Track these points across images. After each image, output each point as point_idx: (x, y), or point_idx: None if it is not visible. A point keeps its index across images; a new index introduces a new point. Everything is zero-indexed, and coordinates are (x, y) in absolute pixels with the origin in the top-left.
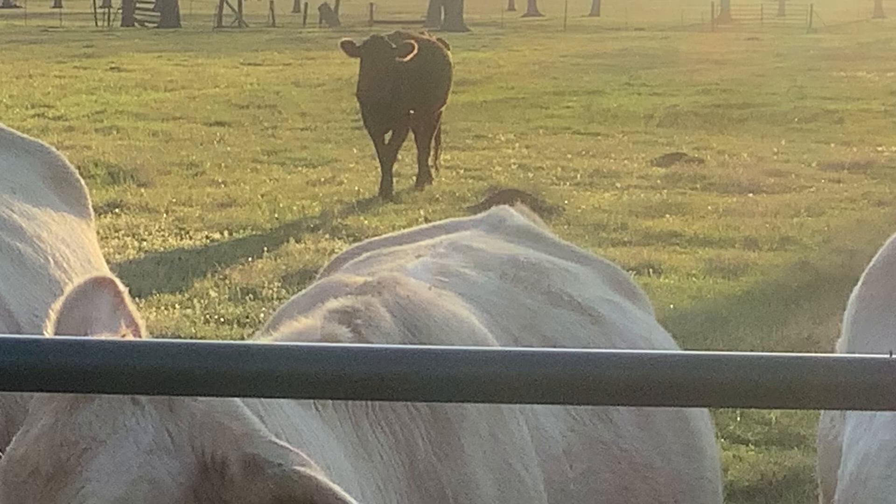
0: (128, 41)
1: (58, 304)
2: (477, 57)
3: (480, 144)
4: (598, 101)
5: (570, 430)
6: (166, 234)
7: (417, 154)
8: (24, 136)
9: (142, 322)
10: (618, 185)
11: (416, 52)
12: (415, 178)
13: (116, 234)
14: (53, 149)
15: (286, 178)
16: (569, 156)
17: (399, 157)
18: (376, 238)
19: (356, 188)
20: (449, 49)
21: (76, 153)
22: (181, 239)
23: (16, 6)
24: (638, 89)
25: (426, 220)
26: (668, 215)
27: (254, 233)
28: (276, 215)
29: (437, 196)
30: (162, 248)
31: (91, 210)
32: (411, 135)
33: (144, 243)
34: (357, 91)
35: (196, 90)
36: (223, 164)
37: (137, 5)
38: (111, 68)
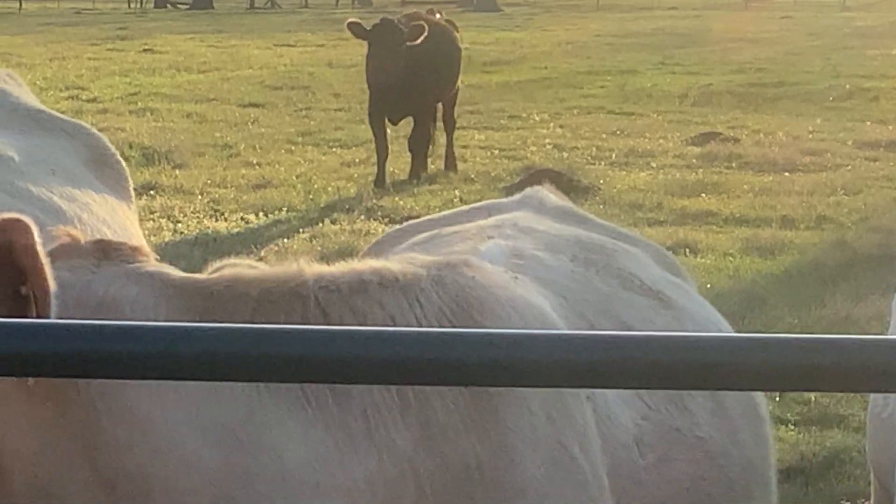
0: (160, 23)
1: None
2: (510, 37)
3: (514, 124)
4: (632, 81)
5: (642, 418)
6: (201, 216)
7: (412, 137)
8: (65, 117)
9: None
10: (653, 164)
11: (426, 34)
12: (443, 158)
13: (152, 216)
14: (94, 130)
15: (321, 159)
16: (603, 135)
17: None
18: (414, 221)
19: (391, 169)
20: (458, 30)
21: (110, 135)
22: (216, 220)
23: None
24: (672, 68)
25: (461, 201)
26: (703, 195)
27: (289, 214)
28: (311, 196)
29: (472, 176)
30: (197, 230)
31: (132, 192)
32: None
33: (180, 225)
34: (367, 76)
35: (229, 72)
36: (257, 146)
37: None
38: (144, 50)
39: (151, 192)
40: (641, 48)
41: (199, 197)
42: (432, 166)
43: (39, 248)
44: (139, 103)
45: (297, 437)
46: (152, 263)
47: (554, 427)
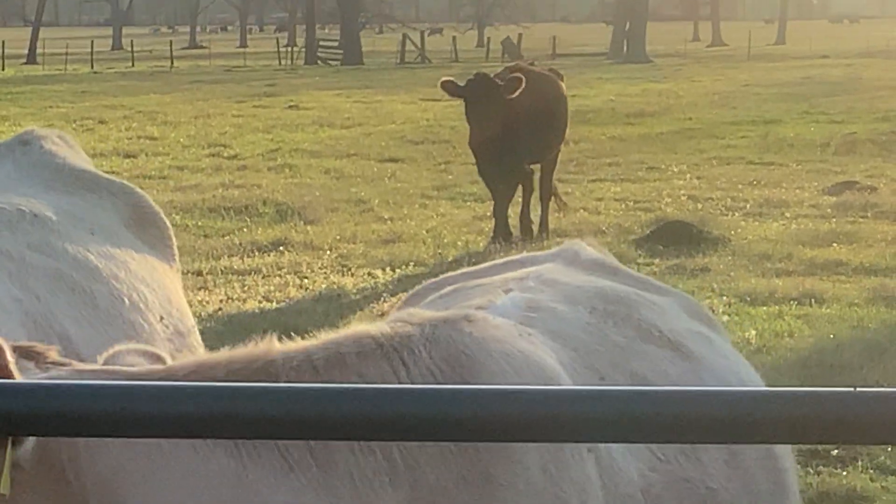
0: (309, 79)
1: (112, 350)
2: (657, 88)
3: (652, 176)
4: (775, 130)
5: (650, 469)
6: (328, 272)
7: (523, 198)
8: (110, 177)
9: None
10: (787, 214)
11: (523, 86)
12: (581, 210)
13: (279, 273)
14: (139, 190)
15: (454, 213)
16: (740, 186)
17: (559, 187)
18: (452, 273)
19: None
20: (563, 80)
21: (246, 192)
22: (343, 276)
23: (202, 46)
24: (816, 117)
25: None
26: (835, 244)
27: (416, 269)
28: (439, 250)
29: (604, 228)
30: (323, 286)
31: (175, 252)
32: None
33: (306, 281)
34: (469, 139)
35: (372, 127)
36: (391, 201)
37: (321, 43)
38: (290, 106)
39: (281, 249)
40: (788, 97)
41: (328, 252)
42: (565, 217)
43: (13, 368)
44: (279, 159)
45: (288, 501)
46: (94, 365)
47: (551, 481)
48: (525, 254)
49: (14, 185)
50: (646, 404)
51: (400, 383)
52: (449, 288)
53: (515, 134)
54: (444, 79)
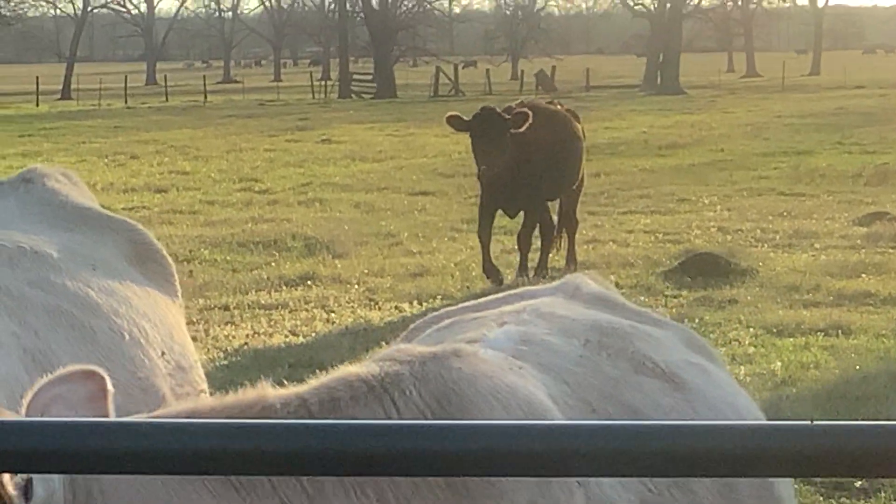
0: (342, 113)
1: (42, 381)
2: (689, 120)
3: (683, 208)
4: (807, 161)
5: (642, 502)
6: (356, 305)
7: (520, 232)
8: (111, 214)
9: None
10: (816, 245)
11: (530, 121)
12: (610, 243)
13: (306, 307)
14: (139, 226)
15: None
16: (770, 217)
17: (590, 219)
18: (453, 307)
19: (550, 255)
20: (579, 120)
21: (275, 226)
22: (370, 310)
23: (236, 81)
24: (849, 148)
25: (617, 286)
26: (864, 275)
27: (443, 302)
28: (467, 284)
29: (632, 261)
30: (350, 320)
31: (178, 287)
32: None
33: (333, 315)
34: (477, 173)
35: (404, 160)
36: (420, 234)
37: (354, 77)
38: (322, 140)
39: (309, 283)
40: (821, 128)
41: (356, 286)
42: (594, 250)
43: None
44: (309, 193)
45: None
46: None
47: None
48: (525, 288)
49: (16, 222)
50: (634, 438)
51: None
52: (447, 321)
53: (523, 170)
54: (449, 114)
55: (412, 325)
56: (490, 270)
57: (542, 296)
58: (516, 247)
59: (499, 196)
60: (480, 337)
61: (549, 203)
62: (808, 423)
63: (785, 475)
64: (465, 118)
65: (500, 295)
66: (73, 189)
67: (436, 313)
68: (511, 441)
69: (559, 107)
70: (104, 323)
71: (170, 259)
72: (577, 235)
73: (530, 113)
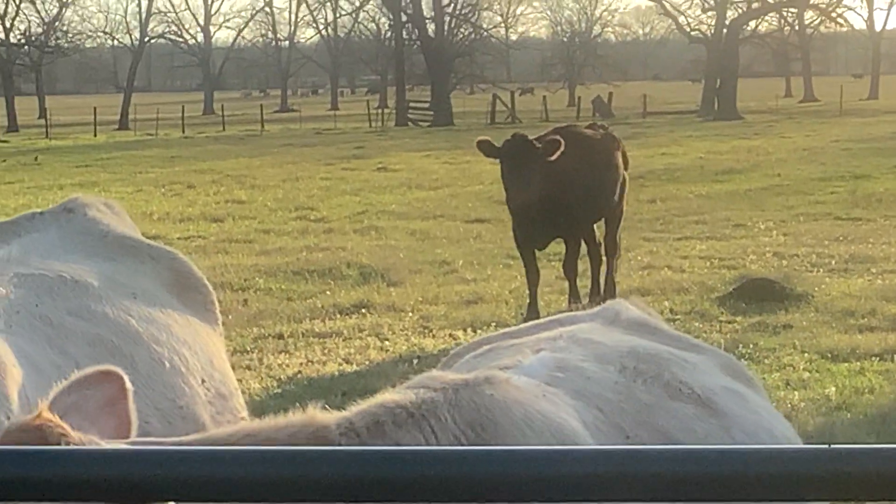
0: (399, 141)
1: (57, 389)
2: (746, 145)
3: (738, 233)
4: (864, 186)
5: None
6: (409, 333)
7: (565, 262)
8: (152, 242)
9: (135, 423)
10: (872, 270)
11: (562, 149)
12: (665, 268)
13: (360, 335)
14: (180, 255)
15: None
16: (826, 242)
17: (645, 245)
18: (494, 333)
19: (604, 280)
20: (620, 144)
21: (330, 254)
22: (424, 337)
23: (293, 110)
24: None
25: (671, 312)
26: None
27: (497, 329)
28: (521, 311)
29: (687, 287)
30: (404, 348)
31: (218, 315)
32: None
33: (387, 343)
34: (506, 198)
35: (460, 188)
36: (475, 261)
37: (411, 105)
38: (378, 168)
39: (363, 311)
40: (879, 152)
41: (410, 314)
42: (649, 276)
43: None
44: (365, 221)
45: None
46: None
47: None
48: (565, 314)
49: (57, 253)
50: (666, 462)
51: None
52: (485, 348)
53: (554, 199)
54: (479, 138)
55: (452, 352)
56: (532, 314)
57: (582, 321)
58: (564, 276)
59: (529, 227)
60: (515, 364)
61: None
62: (826, 446)
63: (803, 499)
64: (495, 144)
65: (541, 321)
66: (115, 219)
67: (475, 340)
68: (539, 466)
69: (600, 130)
70: (144, 351)
71: (210, 287)
72: (629, 262)
73: (561, 141)
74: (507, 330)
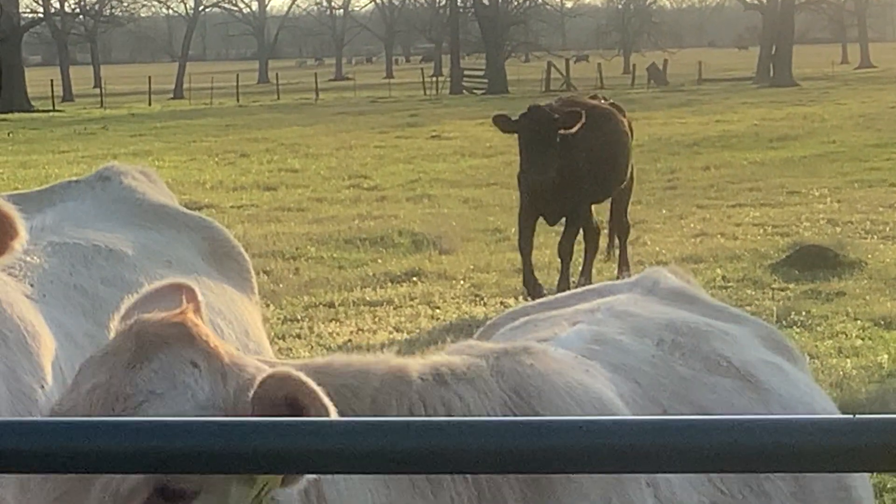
0: (453, 109)
1: (129, 301)
2: (801, 112)
3: (793, 200)
4: None
5: (712, 502)
6: (460, 302)
7: (562, 241)
8: (189, 211)
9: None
10: None
11: (583, 121)
12: (718, 236)
13: (411, 303)
14: (217, 224)
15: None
16: (880, 209)
17: (698, 212)
18: (529, 304)
19: (657, 248)
20: (625, 115)
21: (383, 222)
22: (475, 306)
23: (347, 78)
24: None
25: (724, 280)
26: None
27: (548, 297)
28: (572, 279)
29: (740, 254)
30: (455, 316)
31: (254, 284)
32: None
33: (438, 311)
34: (519, 173)
35: (513, 155)
36: None
37: (466, 73)
38: (432, 137)
39: (414, 279)
40: None
41: (461, 282)
42: (701, 243)
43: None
44: (418, 190)
45: None
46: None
47: None
48: (603, 283)
49: (92, 221)
50: (703, 434)
51: (485, 410)
52: (522, 319)
53: (566, 174)
54: (496, 113)
55: (490, 322)
56: (531, 284)
57: (620, 292)
58: (557, 256)
59: (540, 203)
60: (552, 336)
61: (596, 206)
62: (851, 417)
63: (826, 470)
64: (512, 118)
65: (578, 291)
66: (151, 187)
67: (512, 310)
68: (587, 438)
69: (602, 101)
70: None
71: (246, 256)
72: (681, 230)
73: (582, 113)
74: (543, 300)
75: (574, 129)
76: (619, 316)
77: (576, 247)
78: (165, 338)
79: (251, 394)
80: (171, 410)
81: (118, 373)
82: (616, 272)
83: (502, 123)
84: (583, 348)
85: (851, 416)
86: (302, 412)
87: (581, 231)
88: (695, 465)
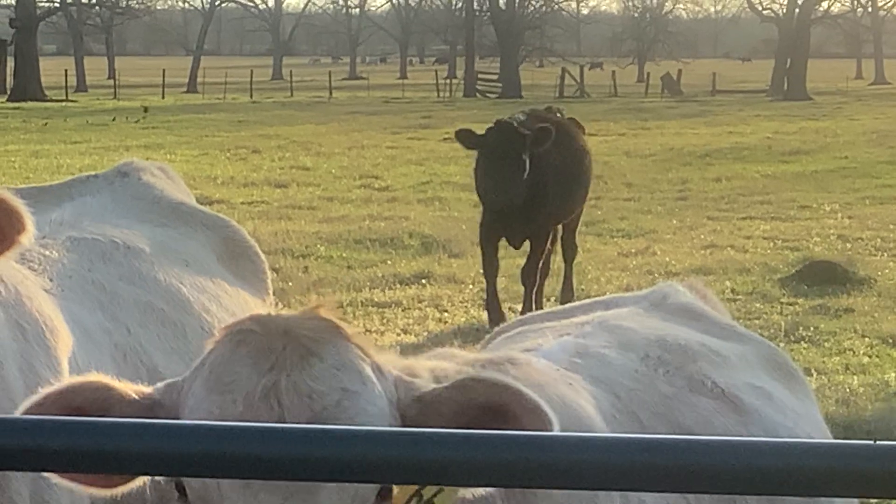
0: (466, 111)
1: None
2: (814, 126)
3: (803, 215)
4: None
5: None
6: (469, 305)
7: (525, 267)
8: (206, 210)
9: None
10: None
11: (552, 138)
12: (728, 248)
13: (419, 306)
14: (233, 223)
15: (599, 248)
16: (891, 226)
17: (708, 224)
18: (535, 313)
19: (667, 259)
20: (584, 131)
21: (393, 224)
22: (483, 310)
23: (361, 77)
24: None
25: (732, 293)
26: None
27: (557, 304)
28: (581, 287)
29: (750, 267)
30: (463, 320)
31: (269, 285)
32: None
33: (446, 314)
34: (478, 190)
35: None
36: None
37: (480, 76)
38: (444, 139)
39: (423, 281)
40: None
41: (470, 286)
42: (711, 256)
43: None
44: (429, 192)
45: None
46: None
47: None
48: (613, 295)
49: (109, 217)
50: (675, 453)
51: None
52: (518, 329)
53: (538, 193)
54: (458, 129)
55: (496, 330)
56: (493, 309)
57: (625, 305)
58: (520, 282)
59: (505, 224)
60: (535, 347)
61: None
62: (872, 442)
63: (845, 495)
64: (476, 133)
65: (586, 302)
66: (169, 184)
67: (519, 318)
68: (556, 453)
69: (558, 115)
70: (194, 320)
71: (262, 256)
72: (691, 241)
73: (553, 130)
74: (551, 310)
75: (544, 147)
76: (609, 329)
77: (552, 265)
78: (321, 333)
79: (442, 393)
80: (371, 406)
81: (292, 374)
82: (560, 294)
83: (466, 139)
84: (566, 361)
85: (818, 440)
86: (508, 422)
87: (560, 245)
88: (666, 485)
